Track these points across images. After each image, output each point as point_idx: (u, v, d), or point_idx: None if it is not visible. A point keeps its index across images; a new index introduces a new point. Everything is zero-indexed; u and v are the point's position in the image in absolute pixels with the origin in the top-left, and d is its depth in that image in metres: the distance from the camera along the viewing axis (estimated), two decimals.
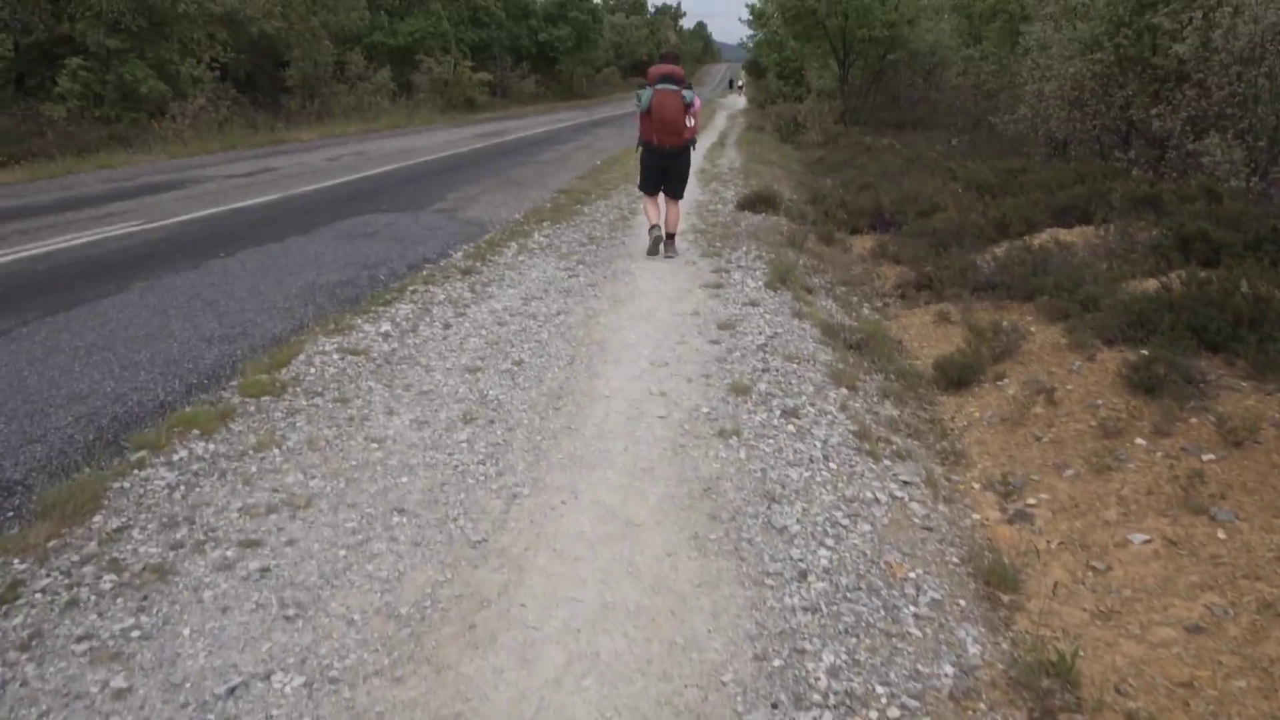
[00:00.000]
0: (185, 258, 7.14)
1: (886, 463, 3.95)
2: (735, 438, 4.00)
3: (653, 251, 7.55)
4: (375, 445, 3.80)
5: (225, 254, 7.26)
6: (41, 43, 17.84)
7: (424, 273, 6.93)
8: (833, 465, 3.82)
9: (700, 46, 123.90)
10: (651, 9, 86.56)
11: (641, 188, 7.63)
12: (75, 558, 2.90)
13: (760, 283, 6.82)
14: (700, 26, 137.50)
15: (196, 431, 3.84)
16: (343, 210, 9.69)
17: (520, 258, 7.55)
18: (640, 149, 7.48)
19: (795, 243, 8.29)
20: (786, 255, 7.73)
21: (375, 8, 32.56)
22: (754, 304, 6.21)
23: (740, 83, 66.03)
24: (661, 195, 7.58)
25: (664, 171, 7.41)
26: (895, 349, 5.85)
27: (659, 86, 7.07)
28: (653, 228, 7.56)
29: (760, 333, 5.57)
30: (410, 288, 6.40)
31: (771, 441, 3.99)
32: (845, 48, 25.76)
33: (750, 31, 39.45)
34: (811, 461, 3.83)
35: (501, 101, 38.44)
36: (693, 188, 12.19)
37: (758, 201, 10.26)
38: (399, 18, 34.29)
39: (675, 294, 6.47)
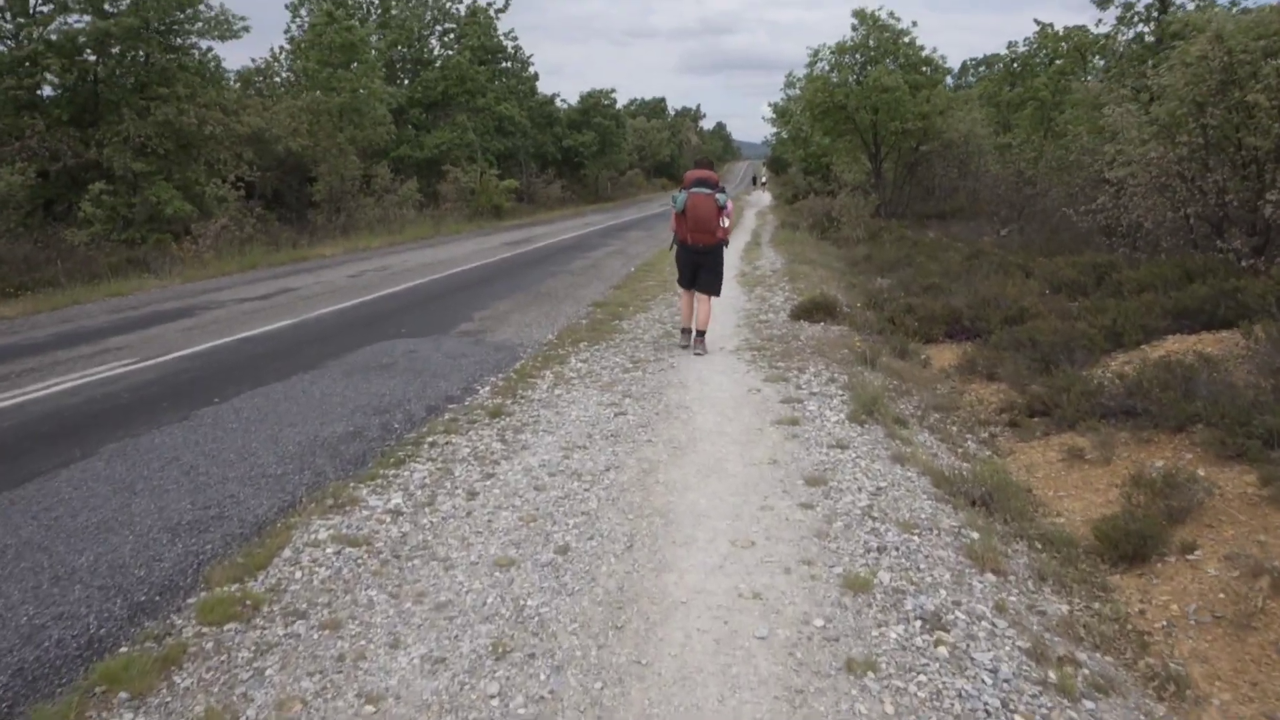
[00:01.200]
0: (173, 406, 6.20)
1: (1088, 705, 2.80)
2: (871, 674, 2.86)
3: (684, 345, 7.95)
4: (371, 709, 2.70)
5: (219, 399, 6.32)
6: (70, 169, 17.62)
7: (445, 417, 5.91)
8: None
9: (721, 146, 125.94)
10: (672, 112, 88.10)
11: (679, 283, 8.05)
12: None
13: (842, 414, 5.76)
14: (720, 126, 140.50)
15: (124, 694, 2.76)
16: (359, 336, 8.78)
17: (557, 391, 6.53)
18: (674, 247, 7.96)
19: (869, 360, 7.24)
20: (863, 377, 6.67)
21: (402, 122, 32.77)
22: (841, 445, 5.13)
23: (763, 179, 66.77)
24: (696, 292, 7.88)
25: (697, 268, 7.74)
26: (1030, 503, 4.70)
27: (693, 190, 7.49)
28: (684, 331, 8.03)
29: (860, 489, 4.48)
30: (429, 439, 5.36)
31: (923, 679, 2.85)
32: (876, 141, 25.26)
33: (773, 129, 39.48)
34: (989, 715, 2.68)
35: (528, 207, 38.22)
36: (738, 295, 11.30)
37: (814, 309, 9.28)
38: (425, 130, 34.49)
39: (744, 434, 5.40)
